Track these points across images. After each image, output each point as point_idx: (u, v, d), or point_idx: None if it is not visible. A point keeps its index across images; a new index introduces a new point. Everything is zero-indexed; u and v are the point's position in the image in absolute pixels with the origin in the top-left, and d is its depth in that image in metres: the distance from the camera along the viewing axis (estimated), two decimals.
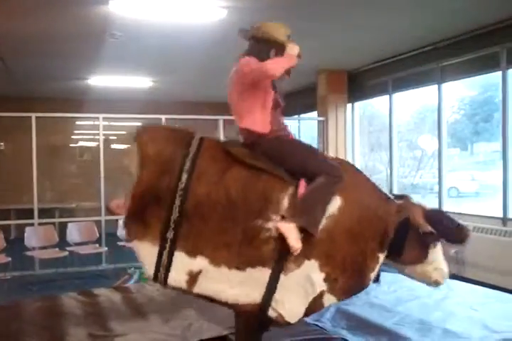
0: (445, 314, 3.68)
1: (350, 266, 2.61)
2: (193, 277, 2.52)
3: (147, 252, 2.52)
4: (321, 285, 2.58)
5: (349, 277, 2.62)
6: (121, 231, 7.36)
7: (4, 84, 9.05)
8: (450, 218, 2.78)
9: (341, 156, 7.81)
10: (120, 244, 7.23)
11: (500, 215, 6.06)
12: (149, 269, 2.54)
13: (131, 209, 2.53)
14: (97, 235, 7.29)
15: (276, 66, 2.57)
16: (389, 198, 2.83)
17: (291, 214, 2.52)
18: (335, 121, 8.64)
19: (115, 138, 10.83)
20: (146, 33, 5.98)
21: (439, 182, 7.07)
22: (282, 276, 2.55)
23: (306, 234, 2.50)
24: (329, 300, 2.63)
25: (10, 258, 6.37)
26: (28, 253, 6.81)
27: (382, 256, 2.67)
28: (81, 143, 11.37)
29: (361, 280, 2.65)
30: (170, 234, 2.49)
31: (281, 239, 2.47)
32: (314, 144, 8.71)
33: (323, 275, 2.58)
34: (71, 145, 11.44)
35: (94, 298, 4.29)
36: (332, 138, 8.60)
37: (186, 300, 3.93)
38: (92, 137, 10.12)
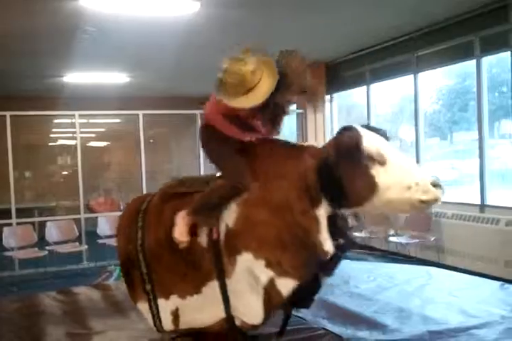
0: (424, 301, 3.68)
1: (289, 241, 2.26)
2: (176, 316, 2.63)
3: (145, 310, 2.75)
4: (265, 273, 2.29)
5: (295, 252, 2.26)
6: (100, 229, 7.30)
7: None
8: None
9: None
10: (100, 241, 7.17)
11: (478, 202, 6.13)
12: (151, 324, 2.76)
13: (124, 279, 2.86)
14: (77, 233, 7.22)
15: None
16: (302, 147, 2.43)
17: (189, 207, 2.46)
18: (314, 113, 8.64)
19: (93, 135, 10.72)
20: (119, 27, 5.91)
21: None
22: (228, 282, 2.41)
23: (227, 231, 2.40)
24: (286, 284, 2.27)
25: None
26: (7, 253, 6.74)
27: (321, 212, 2.24)
28: (59, 142, 11.25)
29: (311, 251, 2.24)
30: (148, 287, 2.68)
31: (209, 246, 2.42)
32: (293, 136, 8.75)
33: (262, 262, 2.29)
34: (49, 143, 11.31)
35: (72, 297, 4.21)
36: (311, 130, 8.60)
37: None
38: (70, 135, 10.03)
